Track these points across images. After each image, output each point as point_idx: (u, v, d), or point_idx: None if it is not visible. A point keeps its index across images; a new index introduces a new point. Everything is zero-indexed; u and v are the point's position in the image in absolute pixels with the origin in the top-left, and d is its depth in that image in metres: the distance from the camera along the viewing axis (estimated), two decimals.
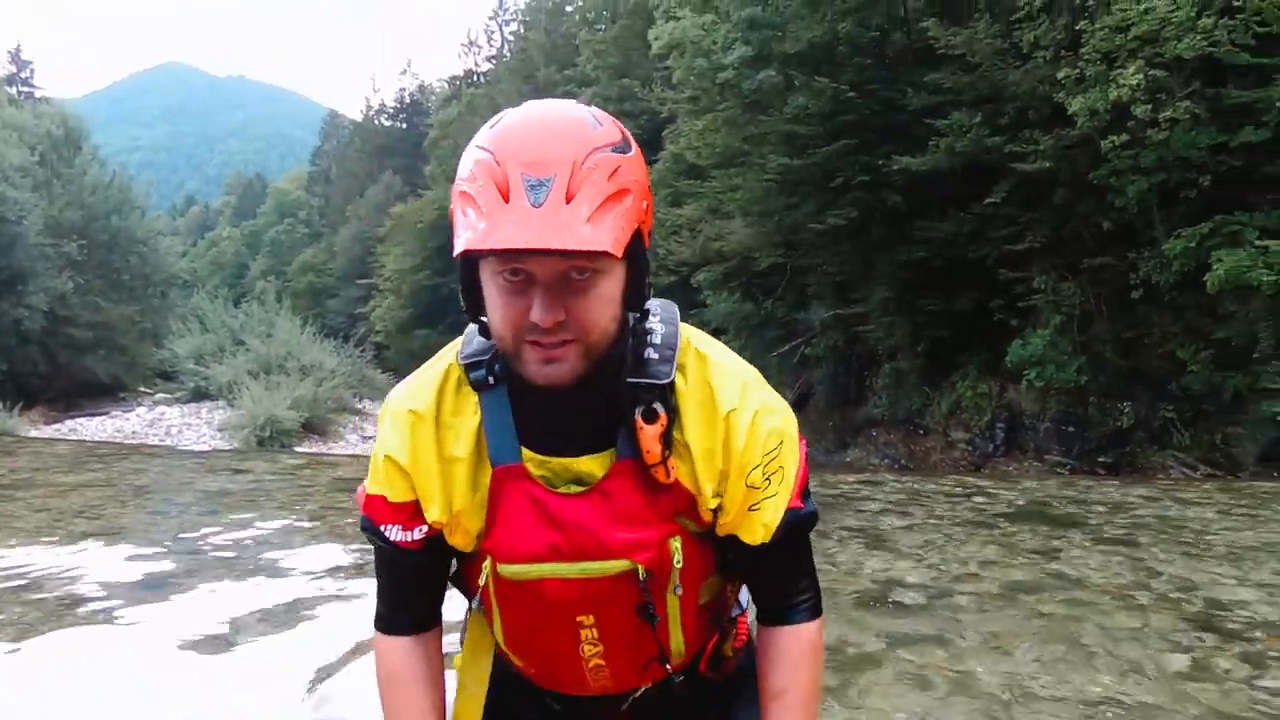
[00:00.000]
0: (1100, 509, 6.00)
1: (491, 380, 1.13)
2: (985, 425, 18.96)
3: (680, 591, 1.13)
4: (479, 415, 1.13)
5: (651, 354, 1.12)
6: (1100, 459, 16.61)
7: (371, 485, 1.18)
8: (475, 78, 73.02)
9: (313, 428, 24.38)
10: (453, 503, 1.12)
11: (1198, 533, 5.29)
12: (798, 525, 1.16)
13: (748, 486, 1.12)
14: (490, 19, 78.48)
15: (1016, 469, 17.19)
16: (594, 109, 1.10)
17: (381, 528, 1.17)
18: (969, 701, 2.85)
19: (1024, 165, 16.54)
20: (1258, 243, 13.53)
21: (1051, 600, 3.87)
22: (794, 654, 1.17)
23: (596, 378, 1.08)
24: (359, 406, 29.94)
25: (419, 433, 1.13)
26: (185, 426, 24.29)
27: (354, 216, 74.54)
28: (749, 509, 1.14)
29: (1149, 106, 14.36)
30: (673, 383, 1.11)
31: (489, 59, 72.39)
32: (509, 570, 1.13)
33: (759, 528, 1.15)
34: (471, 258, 1.06)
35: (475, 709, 1.20)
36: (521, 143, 0.99)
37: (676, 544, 1.11)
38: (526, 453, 1.13)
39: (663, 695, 1.25)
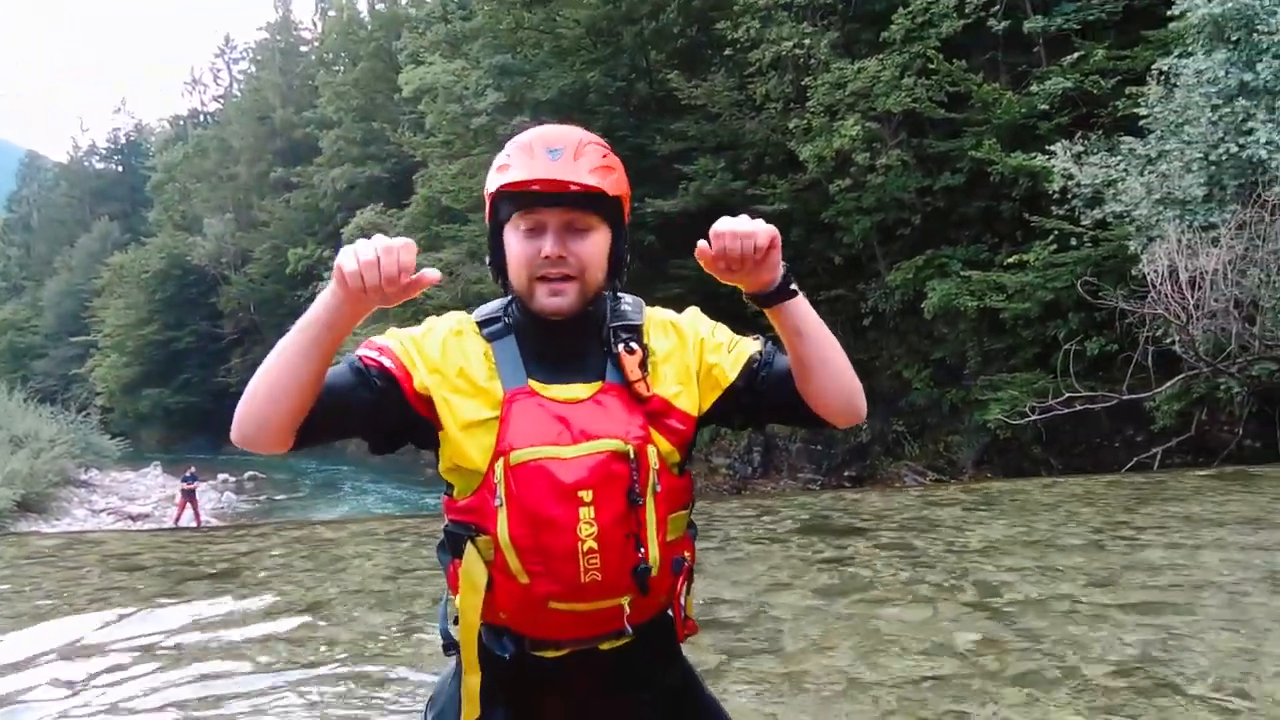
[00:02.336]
0: (869, 517, 6.72)
1: (506, 324, 1.44)
2: (744, 449, 20.22)
3: (659, 489, 1.36)
4: (488, 356, 1.41)
5: (626, 308, 1.48)
6: (846, 473, 18.23)
7: (385, 340, 1.43)
8: (202, 118, 68.49)
9: (31, 506, 21.65)
10: (450, 377, 1.38)
11: (955, 531, 6.09)
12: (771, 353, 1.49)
13: (711, 360, 1.46)
14: (217, 56, 73.93)
15: (775, 488, 18.45)
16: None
17: (364, 353, 1.40)
18: (806, 696, 3.19)
19: (764, 206, 17.95)
20: (962, 273, 15.51)
21: (853, 602, 4.35)
22: None
23: (586, 322, 1.41)
24: (84, 478, 26.97)
25: (450, 341, 1.42)
26: None
27: (63, 268, 67.13)
28: (729, 352, 1.47)
29: (867, 154, 16.12)
30: (643, 326, 1.46)
31: (216, 98, 68.19)
32: (520, 455, 1.32)
33: (745, 351, 1.48)
34: (500, 220, 1.41)
35: (471, 635, 1.39)
36: (540, 134, 1.40)
37: (653, 451, 1.36)
38: (531, 381, 1.39)
39: (632, 656, 1.42)
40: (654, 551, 1.36)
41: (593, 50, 21.69)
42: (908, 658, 3.49)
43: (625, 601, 1.37)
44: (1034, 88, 14.81)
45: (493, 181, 1.38)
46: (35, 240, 76.54)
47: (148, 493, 27.41)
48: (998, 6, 15.50)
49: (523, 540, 1.32)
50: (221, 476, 30.88)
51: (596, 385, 1.40)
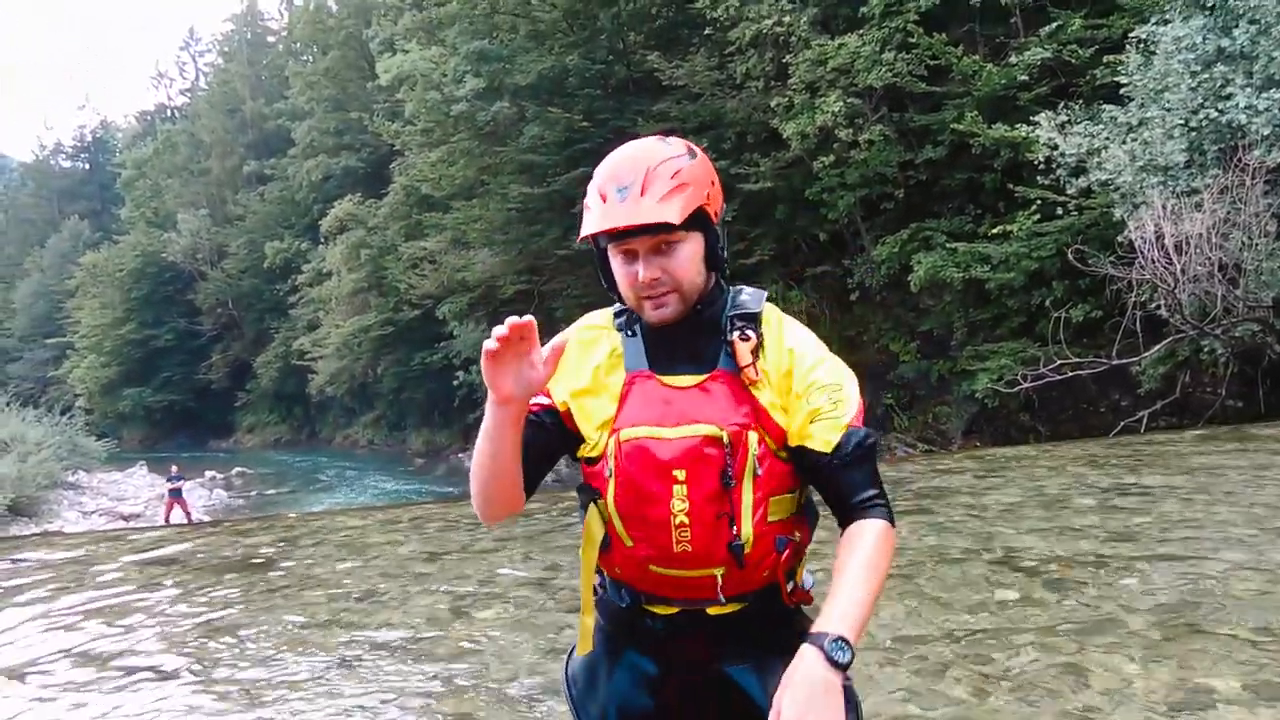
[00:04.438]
0: (885, 487, 6.87)
1: (631, 331, 1.58)
2: None
3: (759, 472, 1.45)
4: (615, 352, 1.57)
5: (744, 298, 1.56)
6: None
7: None
8: (170, 112, 67.58)
9: (21, 510, 21.56)
10: (581, 386, 1.55)
11: (970, 496, 6.28)
12: (861, 440, 1.48)
13: (810, 406, 1.47)
14: (181, 49, 72.69)
15: None
16: (671, 137, 1.55)
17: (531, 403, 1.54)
18: (864, 654, 3.35)
19: (748, 185, 18.08)
20: (946, 245, 15.70)
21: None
22: (867, 533, 1.43)
23: (697, 319, 1.52)
24: (71, 480, 26.76)
25: (578, 349, 1.58)
26: None
27: (34, 268, 66.27)
28: (812, 423, 1.46)
29: (849, 130, 16.23)
30: (760, 315, 1.54)
31: (184, 92, 67.29)
32: (626, 434, 1.48)
33: (828, 435, 1.46)
34: (602, 248, 1.54)
35: (589, 578, 1.55)
36: (611, 169, 1.49)
37: (754, 437, 1.45)
38: (652, 368, 1.54)
39: (740, 622, 1.52)
40: (747, 529, 1.45)
41: (570, 33, 21.63)
42: (952, 615, 3.66)
43: (719, 573, 1.48)
44: (1013, 59, 14.97)
45: (583, 224, 1.51)
46: (4, 242, 75.48)
47: (136, 492, 27.27)
48: None
49: (626, 509, 1.48)
50: (209, 474, 30.74)
51: (708, 374, 1.50)
